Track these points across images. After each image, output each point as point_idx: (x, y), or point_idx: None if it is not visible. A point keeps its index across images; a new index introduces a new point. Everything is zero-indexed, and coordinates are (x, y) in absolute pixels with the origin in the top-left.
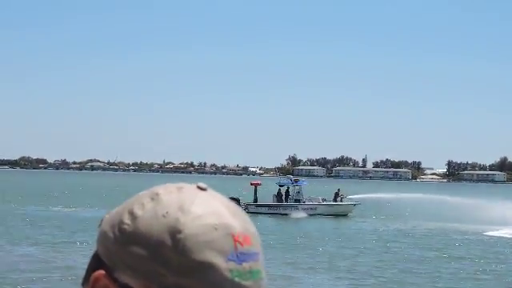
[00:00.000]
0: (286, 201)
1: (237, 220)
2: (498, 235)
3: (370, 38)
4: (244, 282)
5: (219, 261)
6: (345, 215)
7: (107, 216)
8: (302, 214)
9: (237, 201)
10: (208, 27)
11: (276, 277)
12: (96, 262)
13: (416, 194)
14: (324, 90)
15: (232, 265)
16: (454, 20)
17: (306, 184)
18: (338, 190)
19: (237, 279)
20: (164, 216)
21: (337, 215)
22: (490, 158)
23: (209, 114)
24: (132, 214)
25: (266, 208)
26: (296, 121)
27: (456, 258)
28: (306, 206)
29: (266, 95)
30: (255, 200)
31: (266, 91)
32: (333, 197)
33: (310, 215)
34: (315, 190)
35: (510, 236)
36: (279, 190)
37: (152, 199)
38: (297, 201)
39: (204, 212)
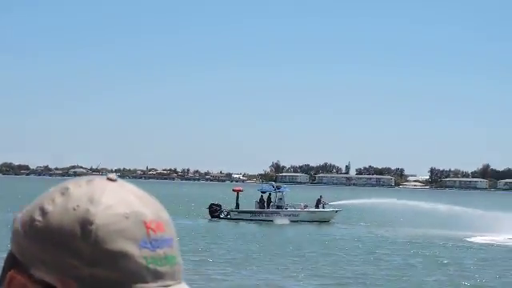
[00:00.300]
0: (268, 207)
1: (148, 208)
2: (482, 241)
3: (357, 48)
4: (159, 268)
5: (132, 249)
6: (327, 221)
7: (20, 215)
8: (284, 221)
9: (218, 206)
10: (191, 33)
11: (261, 284)
12: (11, 261)
13: (399, 200)
14: (307, 98)
15: (146, 252)
16: (437, 35)
17: (288, 191)
18: (320, 196)
19: (152, 266)
20: (74, 209)
21: (319, 221)
22: (472, 166)
23: (192, 120)
24: (43, 210)
25: (249, 214)
26: (280, 127)
27: (440, 265)
28: (288, 213)
29: (249, 102)
30: (237, 206)
31: (246, 96)
32: (315, 203)
33: (293, 221)
34: (298, 197)
35: (492, 242)
36: (261, 196)
37: (62, 194)
38: (279, 207)
39: (114, 202)
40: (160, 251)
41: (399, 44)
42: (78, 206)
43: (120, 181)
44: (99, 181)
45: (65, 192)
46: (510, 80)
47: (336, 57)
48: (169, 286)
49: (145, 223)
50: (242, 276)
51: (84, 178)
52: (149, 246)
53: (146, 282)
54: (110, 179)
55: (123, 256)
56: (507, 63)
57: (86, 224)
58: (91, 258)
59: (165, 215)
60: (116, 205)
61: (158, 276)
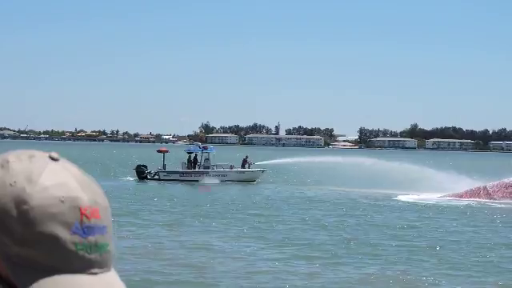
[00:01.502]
0: (194, 168)
1: (86, 192)
2: (408, 200)
3: (294, 15)
4: (88, 255)
5: (63, 233)
6: (253, 181)
7: None
8: (214, 180)
9: (145, 167)
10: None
11: (195, 245)
12: None
13: (326, 157)
14: (238, 60)
15: (76, 238)
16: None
17: (214, 151)
18: (246, 156)
19: (81, 252)
20: (11, 185)
21: (246, 181)
22: (401, 125)
23: (121, 82)
24: None
25: (178, 175)
26: (210, 89)
27: (372, 225)
28: (217, 173)
29: (178, 62)
30: (164, 167)
31: (178, 58)
32: (241, 163)
33: (221, 181)
34: (225, 157)
35: (417, 201)
36: (189, 157)
37: (2, 166)
38: (206, 168)
39: (52, 184)
40: (91, 238)
41: (326, 14)
42: (15, 182)
43: (62, 161)
44: (41, 158)
45: (4, 165)
46: (435, 42)
47: (270, 24)
48: (96, 273)
49: (80, 209)
50: (173, 237)
51: (26, 152)
52: (80, 232)
53: (73, 268)
54: (52, 158)
55: (53, 240)
56: (437, 28)
57: (20, 203)
58: (21, 237)
59: (103, 201)
60: (53, 187)
61: (85, 263)
